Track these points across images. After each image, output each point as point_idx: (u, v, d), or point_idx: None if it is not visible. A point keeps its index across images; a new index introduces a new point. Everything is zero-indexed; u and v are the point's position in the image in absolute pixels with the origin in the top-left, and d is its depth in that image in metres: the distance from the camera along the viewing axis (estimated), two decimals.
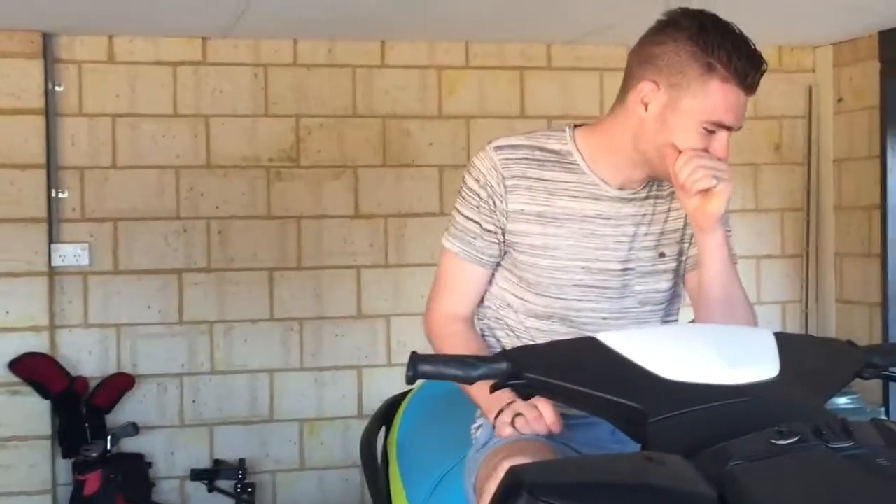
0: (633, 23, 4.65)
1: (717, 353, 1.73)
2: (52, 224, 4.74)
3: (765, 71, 2.10)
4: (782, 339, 1.80)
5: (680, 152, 2.08)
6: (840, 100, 5.49)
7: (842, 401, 4.67)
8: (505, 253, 2.26)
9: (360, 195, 5.08)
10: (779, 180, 5.57)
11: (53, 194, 4.74)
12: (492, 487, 1.93)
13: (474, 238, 2.25)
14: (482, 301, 2.36)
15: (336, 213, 5.05)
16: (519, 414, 2.03)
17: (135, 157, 4.86)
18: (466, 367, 1.78)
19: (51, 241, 4.73)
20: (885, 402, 5.10)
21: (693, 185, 2.08)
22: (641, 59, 2.15)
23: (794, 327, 5.47)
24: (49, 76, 4.73)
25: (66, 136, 4.79)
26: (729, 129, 2.08)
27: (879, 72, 5.20)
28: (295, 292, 5.01)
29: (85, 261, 4.78)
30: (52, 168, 4.74)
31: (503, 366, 1.75)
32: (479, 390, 2.11)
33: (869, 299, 5.28)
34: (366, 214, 5.09)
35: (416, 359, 1.77)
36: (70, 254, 4.75)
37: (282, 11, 4.44)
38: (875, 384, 5.03)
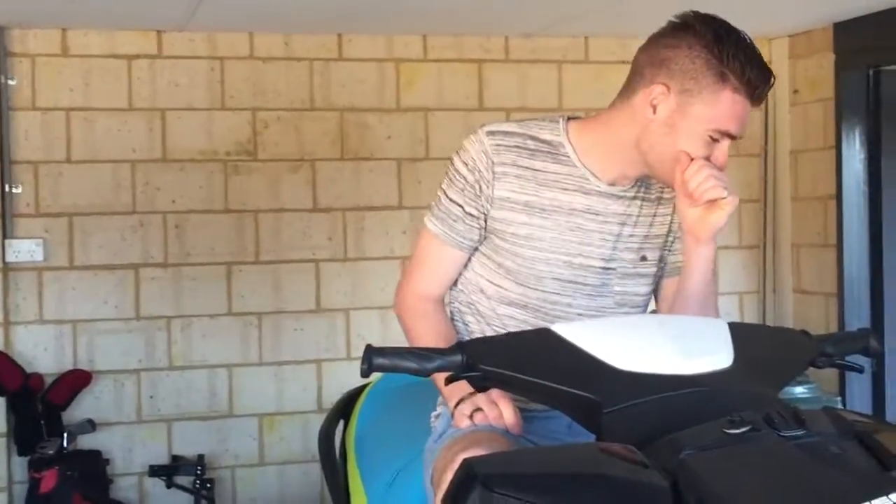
0: (592, 15, 4.68)
1: (671, 343, 1.74)
2: (6, 219, 4.68)
3: (773, 84, 2.13)
4: (736, 329, 1.81)
5: (692, 159, 2.08)
6: (796, 91, 5.53)
7: (798, 390, 4.71)
8: (485, 238, 2.26)
9: (319, 189, 5.06)
10: (736, 172, 5.59)
11: (7, 189, 4.68)
12: (448, 479, 1.93)
13: (455, 220, 2.24)
14: (455, 284, 2.36)
15: (294, 206, 5.03)
16: (479, 409, 2.03)
17: (90, 152, 4.82)
18: (421, 359, 1.78)
19: (4, 236, 4.67)
20: (842, 392, 5.14)
21: (703, 195, 2.09)
22: (654, 60, 2.15)
23: (751, 317, 5.50)
24: (1, 69, 4.68)
25: (19, 130, 4.74)
26: (732, 138, 2.11)
27: (834, 63, 5.24)
28: (253, 286, 4.99)
29: (39, 256, 4.73)
30: (4, 163, 4.68)
31: (458, 358, 1.75)
32: (442, 376, 2.12)
33: (825, 289, 5.33)
34: (324, 208, 5.07)
35: (370, 351, 1.78)
36: (24, 249, 4.70)
37: (238, 4, 4.41)
38: (832, 374, 5.08)
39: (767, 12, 5.03)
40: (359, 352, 5.25)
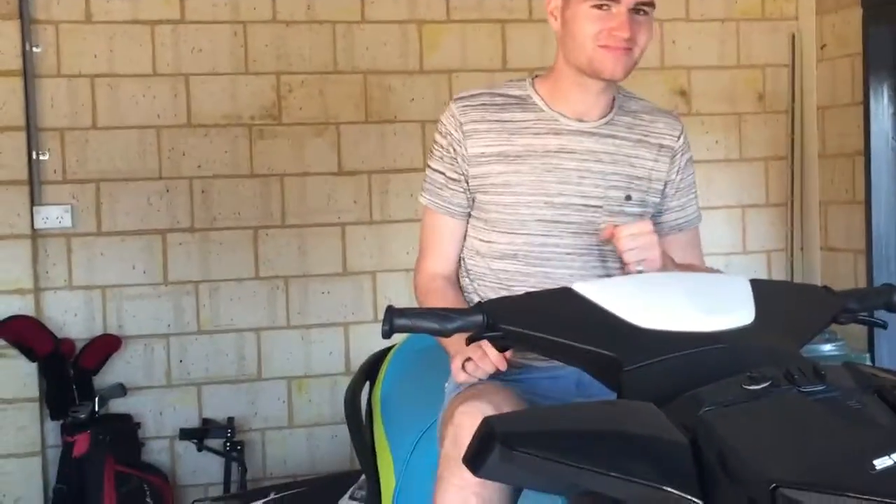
0: None
1: (692, 301, 1.74)
2: (34, 186, 4.71)
3: None
4: (758, 286, 1.81)
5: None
6: (823, 47, 5.47)
7: (827, 347, 4.69)
8: (473, 200, 2.30)
9: (343, 152, 5.06)
10: (762, 129, 5.56)
11: (34, 156, 4.71)
12: (449, 434, 1.96)
13: (440, 188, 2.31)
14: (464, 253, 2.39)
15: (319, 170, 5.03)
16: (469, 358, 2.06)
17: (115, 118, 4.83)
18: (442, 319, 1.79)
19: (33, 203, 4.70)
20: (871, 349, 5.12)
21: (627, 261, 2.12)
22: None
23: (779, 275, 5.48)
24: (26, 37, 4.69)
25: (45, 97, 4.76)
26: (617, 2, 2.12)
27: (862, 18, 5.18)
28: (280, 250, 5.01)
29: (68, 222, 4.76)
30: (31, 130, 4.71)
31: (478, 318, 1.76)
32: (448, 340, 2.14)
33: (853, 246, 5.29)
34: (349, 171, 5.07)
35: (392, 312, 1.79)
36: (53, 216, 4.73)
37: None
38: (861, 331, 5.05)
39: None
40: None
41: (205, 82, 4.91)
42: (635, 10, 2.14)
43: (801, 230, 5.56)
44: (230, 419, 4.89)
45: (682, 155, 2.37)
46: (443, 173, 2.30)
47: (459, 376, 2.07)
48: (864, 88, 5.17)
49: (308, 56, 5.02)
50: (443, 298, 2.30)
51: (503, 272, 2.27)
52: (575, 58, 2.19)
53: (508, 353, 2.02)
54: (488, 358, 2.02)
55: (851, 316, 1.95)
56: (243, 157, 4.96)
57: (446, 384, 2.35)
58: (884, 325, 2.02)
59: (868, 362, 4.91)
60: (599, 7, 2.12)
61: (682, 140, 2.37)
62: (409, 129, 5.09)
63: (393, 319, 1.78)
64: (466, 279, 2.37)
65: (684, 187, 2.39)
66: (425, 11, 5.13)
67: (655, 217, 2.36)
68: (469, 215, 2.33)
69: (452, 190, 2.30)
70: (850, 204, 5.31)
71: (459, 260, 2.40)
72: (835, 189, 5.42)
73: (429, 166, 2.36)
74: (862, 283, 5.11)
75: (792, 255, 5.53)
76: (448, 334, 1.82)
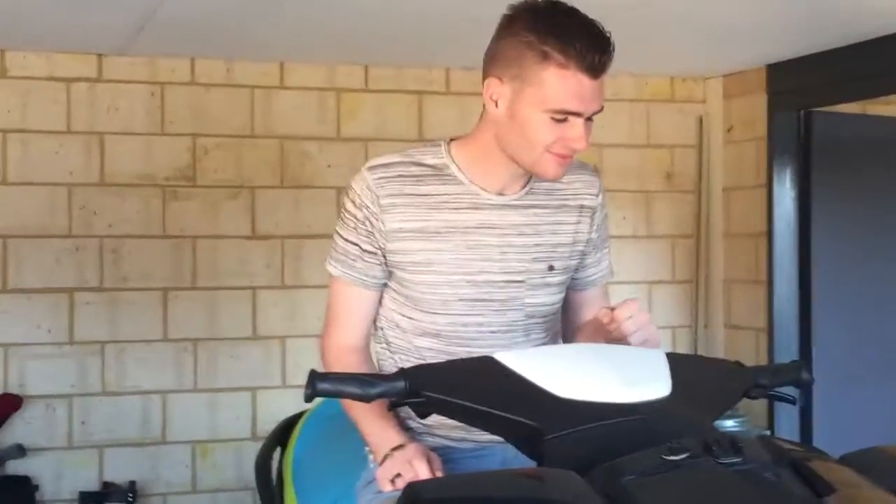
0: None
1: (611, 371, 1.77)
2: None
3: (611, 53, 2.06)
4: (673, 359, 1.85)
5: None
6: (730, 130, 5.64)
7: (729, 423, 4.78)
8: (390, 273, 2.24)
9: (257, 216, 5.06)
10: (670, 208, 5.69)
11: None
12: None
13: (354, 260, 2.22)
14: (376, 323, 2.34)
15: (232, 233, 5.02)
16: (399, 475, 2.01)
17: (26, 174, 4.77)
18: (365, 385, 1.79)
19: None
20: (771, 425, 5.22)
21: (634, 344, 2.06)
22: (487, 56, 2.15)
23: (684, 351, 5.57)
24: None
25: None
26: (579, 115, 2.04)
27: (767, 104, 5.35)
28: (189, 313, 4.96)
29: None
30: None
31: (401, 384, 1.77)
32: (368, 426, 2.14)
33: (755, 324, 5.42)
34: (263, 235, 5.06)
35: (314, 376, 1.78)
36: None
37: (180, 29, 4.41)
38: (761, 407, 5.16)
39: (703, 52, 5.14)
40: (295, 379, 5.29)
41: (120, 141, 4.89)
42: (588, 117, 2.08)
43: (706, 307, 5.68)
44: (132, 483, 4.80)
45: (601, 211, 2.34)
46: (357, 245, 2.21)
47: (386, 486, 2.02)
48: (768, 171, 5.33)
49: (225, 119, 5.02)
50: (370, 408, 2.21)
51: (427, 349, 2.21)
52: (515, 154, 2.12)
53: (439, 473, 1.98)
54: (417, 477, 1.98)
55: (762, 391, 2.00)
56: (156, 217, 4.92)
57: (370, 455, 2.31)
58: (793, 401, 2.06)
59: None
60: (558, 120, 2.04)
61: (600, 196, 2.33)
62: (325, 196, 5.10)
63: (316, 383, 1.78)
64: (387, 351, 2.30)
65: (599, 243, 2.36)
66: (344, 79, 5.17)
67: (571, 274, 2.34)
68: (384, 285, 2.26)
69: (368, 263, 2.21)
70: (753, 283, 5.45)
71: (376, 329, 2.33)
72: (739, 268, 5.56)
73: (340, 235, 2.24)
74: (763, 361, 5.22)
75: (696, 332, 5.64)
76: (370, 399, 1.82)
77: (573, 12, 2.10)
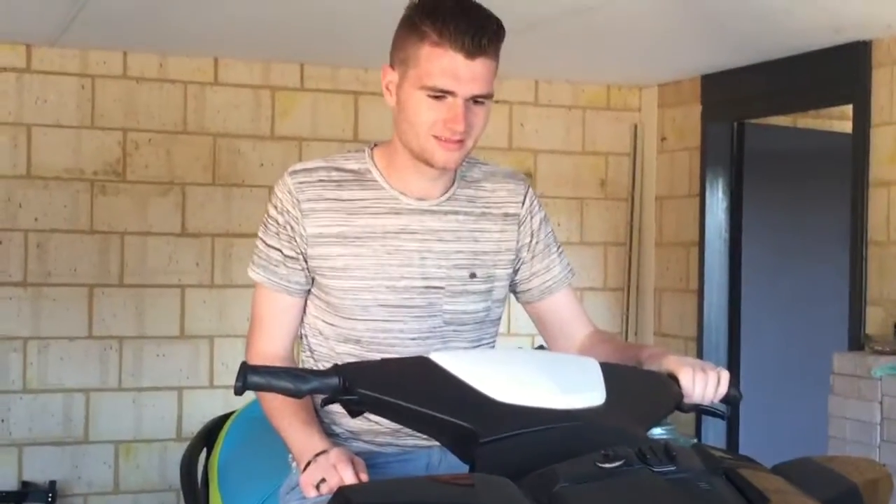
0: None
1: (546, 377, 1.75)
2: None
3: (490, 36, 2.06)
4: (607, 369, 1.84)
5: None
6: (663, 139, 5.68)
7: (657, 431, 4.79)
8: (313, 279, 2.20)
9: (188, 213, 4.99)
10: (603, 215, 5.72)
11: None
12: None
13: (277, 266, 2.18)
14: (305, 331, 2.30)
15: (162, 230, 4.94)
16: (324, 480, 1.95)
17: None
18: (297, 379, 1.76)
19: None
20: (698, 434, 5.26)
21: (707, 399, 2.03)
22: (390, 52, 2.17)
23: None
24: None
25: None
26: (454, 94, 2.04)
27: (701, 114, 5.40)
28: (116, 310, 4.87)
29: None
30: None
31: (334, 381, 1.73)
32: (291, 433, 2.08)
33: (685, 333, 5.46)
34: (193, 233, 4.99)
35: (246, 369, 1.73)
36: None
37: (112, 22, 4.34)
38: (689, 416, 5.20)
39: (638, 61, 5.17)
40: (222, 380, 5.22)
41: (47, 134, 4.79)
42: (472, 101, 2.06)
43: (637, 315, 5.71)
44: (52, 483, 4.71)
45: (532, 218, 2.31)
46: (279, 250, 2.16)
47: (310, 492, 1.95)
48: (701, 181, 5.38)
49: (157, 114, 4.95)
50: (295, 415, 2.15)
51: (347, 356, 2.16)
52: (407, 141, 2.11)
53: (364, 477, 1.93)
54: (342, 481, 1.91)
55: (693, 405, 2.00)
56: (83, 212, 4.83)
57: (292, 461, 2.28)
58: (723, 416, 2.06)
59: None
60: (435, 97, 2.04)
61: (527, 203, 2.30)
62: (257, 194, 5.05)
63: (247, 376, 1.73)
64: (310, 358, 2.26)
65: (543, 248, 2.32)
66: (279, 78, 5.13)
67: (521, 285, 2.32)
68: (308, 292, 2.22)
69: (290, 268, 2.17)
70: (684, 292, 5.49)
71: (300, 336, 2.28)
72: (670, 277, 5.60)
73: (262, 240, 2.20)
74: None
75: (626, 339, 5.66)
76: (302, 395, 1.78)
77: (463, 0, 2.10)
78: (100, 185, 4.86)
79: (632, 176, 5.75)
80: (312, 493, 1.95)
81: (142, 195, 4.92)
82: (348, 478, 1.91)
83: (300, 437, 2.07)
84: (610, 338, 2.37)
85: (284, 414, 2.11)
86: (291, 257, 2.17)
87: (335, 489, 1.84)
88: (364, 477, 1.92)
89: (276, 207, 2.18)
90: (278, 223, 2.17)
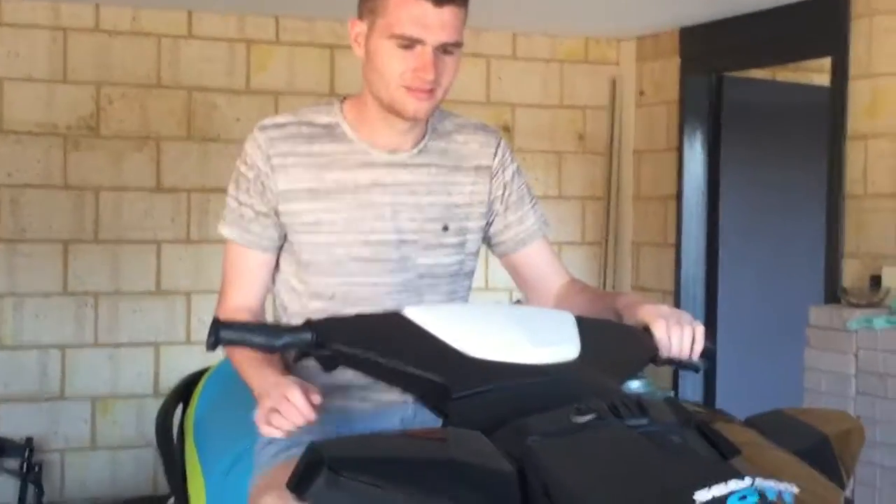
0: None
1: (520, 332, 1.75)
2: None
3: None
4: (582, 323, 1.84)
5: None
6: (642, 93, 5.65)
7: (634, 384, 4.81)
8: (284, 235, 2.18)
9: (163, 168, 4.95)
10: (581, 169, 5.70)
11: None
12: None
13: (249, 222, 2.16)
14: (276, 292, 2.28)
15: (137, 185, 4.91)
16: (275, 410, 1.88)
17: None
18: (270, 335, 1.75)
19: None
20: (675, 387, 5.29)
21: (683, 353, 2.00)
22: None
23: None
24: None
25: None
26: (422, 42, 2.03)
27: (679, 67, 5.38)
28: (91, 266, 4.85)
29: None
30: None
31: (307, 336, 1.72)
32: (252, 379, 2.03)
33: (663, 286, 5.47)
34: (168, 188, 4.96)
35: (218, 324, 1.73)
36: None
37: None
38: (666, 369, 5.21)
39: (616, 14, 5.14)
40: (199, 336, 5.21)
41: (19, 88, 4.74)
42: (441, 50, 2.05)
43: (615, 269, 5.72)
44: (28, 439, 4.70)
45: (505, 170, 2.30)
46: (251, 207, 2.14)
47: (263, 428, 1.89)
48: (679, 135, 5.37)
49: (131, 68, 4.89)
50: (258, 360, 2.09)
51: (321, 312, 2.12)
52: (376, 92, 2.09)
53: (316, 399, 1.87)
54: (296, 408, 1.86)
55: (667, 359, 2.00)
56: (57, 167, 4.79)
57: (256, 444, 2.27)
58: (696, 369, 2.06)
59: None
60: (404, 46, 2.03)
61: (499, 156, 2.29)
62: (233, 150, 4.96)
63: (219, 331, 1.72)
64: (284, 316, 2.25)
65: (516, 200, 2.31)
66: (254, 31, 5.07)
67: (496, 237, 2.31)
68: (280, 247, 2.20)
69: (263, 225, 2.15)
70: (662, 246, 5.49)
71: (271, 295, 2.26)
72: (648, 231, 5.60)
73: (233, 197, 2.17)
74: None
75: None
76: (275, 350, 1.78)
77: None
78: (73, 140, 4.82)
79: (610, 130, 5.73)
80: (266, 431, 1.90)
81: (116, 150, 4.88)
82: (298, 402, 1.85)
83: (258, 379, 2.02)
84: (585, 288, 2.35)
85: (246, 364, 2.08)
86: (263, 213, 2.15)
87: (290, 421, 1.85)
88: (316, 399, 1.86)
89: (245, 163, 2.15)
90: (249, 179, 2.15)
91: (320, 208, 2.13)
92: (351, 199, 2.14)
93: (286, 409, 1.85)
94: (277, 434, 1.89)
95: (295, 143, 2.14)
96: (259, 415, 1.90)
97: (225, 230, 2.20)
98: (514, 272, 2.37)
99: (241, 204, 2.16)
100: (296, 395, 1.85)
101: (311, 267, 2.16)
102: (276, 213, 2.14)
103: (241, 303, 2.20)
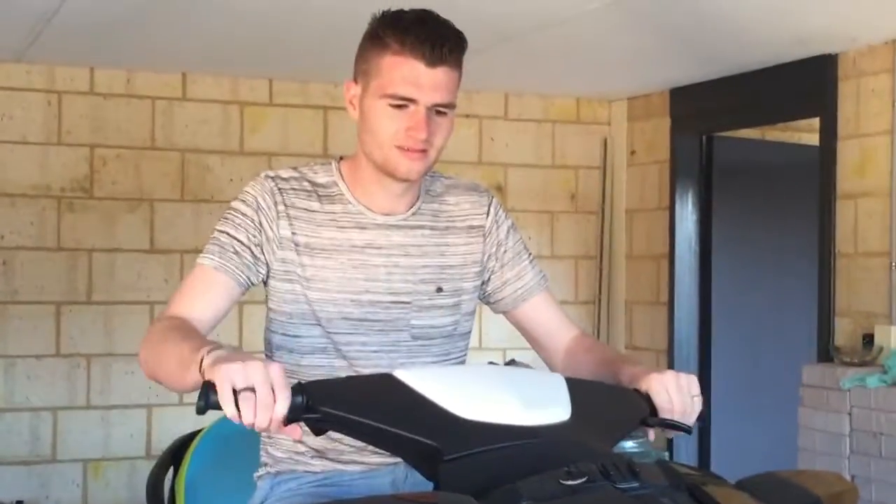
0: None
1: (511, 394, 1.74)
2: None
3: (452, 46, 2.07)
4: (573, 384, 1.83)
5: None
6: (633, 153, 5.69)
7: (628, 444, 4.79)
8: (266, 285, 2.15)
9: (157, 229, 4.96)
10: (574, 228, 5.72)
11: None
12: None
13: (234, 254, 2.10)
14: (266, 349, 2.25)
15: (130, 247, 4.91)
16: (250, 389, 1.64)
17: None
18: None
19: None
20: (669, 447, 5.27)
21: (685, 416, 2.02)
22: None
23: None
24: None
25: None
26: (415, 101, 2.04)
27: (670, 127, 5.42)
28: (84, 327, 4.84)
29: None
30: None
31: (298, 399, 1.71)
32: (174, 356, 1.88)
33: (657, 346, 5.46)
34: (161, 249, 4.96)
35: (209, 387, 1.69)
36: None
37: (78, 37, 4.31)
38: (659, 432, 5.19)
39: (607, 75, 5.18)
40: (191, 398, 5.13)
41: (13, 150, 4.76)
42: (434, 111, 2.06)
43: (608, 328, 5.71)
44: (19, 502, 4.65)
45: (498, 228, 2.30)
46: (240, 241, 2.09)
47: (228, 408, 1.64)
48: (671, 194, 5.40)
49: (125, 130, 4.92)
50: (169, 333, 1.98)
51: (316, 367, 2.13)
52: (370, 153, 2.10)
53: (296, 436, 1.73)
54: (271, 408, 1.65)
55: (659, 420, 1.99)
56: (50, 229, 4.80)
57: (256, 475, 2.27)
58: (688, 431, 2.05)
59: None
60: (396, 106, 2.04)
61: (492, 214, 2.29)
62: (226, 210, 5.01)
63: (209, 395, 1.68)
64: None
65: (512, 257, 2.31)
66: (248, 93, 5.11)
67: (495, 295, 2.31)
68: (244, 292, 2.13)
69: (242, 259, 2.09)
70: (654, 305, 5.49)
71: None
72: (640, 289, 5.60)
73: (219, 232, 2.11)
74: None
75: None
76: None
77: (425, 13, 2.11)
78: (67, 201, 4.83)
79: (602, 189, 5.75)
80: (232, 412, 1.65)
81: (110, 212, 4.89)
82: (280, 409, 1.66)
83: (201, 342, 1.85)
84: (592, 346, 2.33)
85: (163, 345, 1.95)
86: (247, 249, 2.10)
87: (258, 413, 1.64)
88: (288, 428, 1.71)
89: (246, 203, 2.12)
90: (245, 216, 2.11)
91: (316, 265, 2.13)
92: (346, 259, 2.14)
93: (265, 404, 1.64)
94: (246, 423, 1.65)
95: (297, 197, 2.14)
96: (226, 393, 1.65)
97: (204, 259, 2.12)
98: (521, 329, 2.37)
99: (230, 237, 2.10)
100: (283, 395, 1.66)
101: (306, 320, 2.15)
102: (267, 261, 2.12)
103: (188, 314, 2.08)
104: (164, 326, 2.03)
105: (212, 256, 2.10)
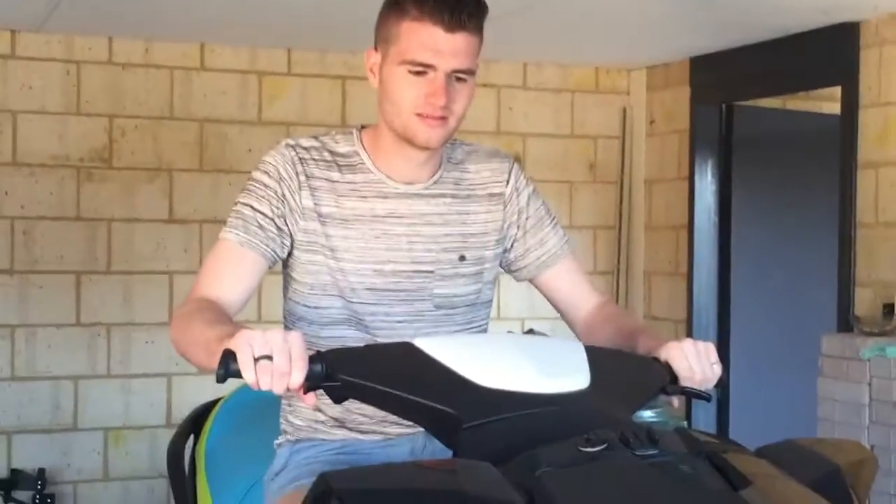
0: None
1: (530, 362, 1.74)
2: None
3: (472, 11, 2.05)
4: (592, 352, 1.83)
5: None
6: (652, 122, 5.66)
7: (647, 414, 4.80)
8: (289, 255, 2.14)
9: (175, 199, 4.97)
10: (593, 198, 5.71)
11: None
12: None
13: (259, 228, 2.08)
14: (285, 319, 2.25)
15: (149, 216, 4.93)
16: (267, 357, 1.66)
17: None
18: None
19: None
20: (688, 416, 5.26)
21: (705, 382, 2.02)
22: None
23: None
24: None
25: None
26: (434, 68, 2.03)
27: (689, 97, 5.39)
28: (104, 297, 4.86)
29: None
30: None
31: (318, 367, 1.71)
32: (218, 326, 1.87)
33: (675, 316, 5.46)
34: (180, 219, 4.97)
35: (229, 356, 1.69)
36: None
37: (97, 7, 4.31)
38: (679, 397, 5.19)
39: (627, 43, 5.15)
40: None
41: (33, 120, 4.77)
42: (454, 77, 2.05)
43: (626, 299, 5.71)
44: (41, 470, 4.70)
45: (518, 196, 2.29)
46: (265, 214, 2.08)
47: (247, 374, 1.66)
48: (690, 164, 5.37)
49: (144, 100, 4.92)
50: (202, 315, 1.94)
51: (337, 339, 2.12)
52: (390, 121, 2.09)
53: (312, 400, 1.74)
54: (288, 375, 1.66)
55: (678, 388, 1.99)
56: (70, 199, 4.81)
57: (275, 443, 2.28)
58: (708, 398, 2.05)
59: None
60: (416, 73, 2.03)
61: (512, 182, 2.28)
62: (244, 180, 5.01)
63: (230, 363, 1.68)
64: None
65: (534, 224, 2.30)
66: (266, 63, 5.10)
67: (517, 262, 2.30)
68: (275, 261, 2.13)
69: (267, 233, 2.08)
70: (673, 275, 5.48)
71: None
72: (659, 260, 5.59)
73: (242, 204, 2.09)
74: None
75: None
76: None
77: None
78: (86, 171, 4.84)
79: (621, 159, 5.73)
80: (251, 379, 1.66)
81: (129, 182, 4.90)
82: (296, 380, 1.68)
83: (227, 326, 1.87)
84: (611, 316, 2.32)
85: (191, 332, 1.93)
86: (272, 223, 2.09)
87: (276, 380, 1.66)
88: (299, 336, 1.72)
89: (268, 174, 2.11)
90: (268, 187, 2.09)
91: (338, 234, 2.13)
92: (367, 228, 2.13)
93: (281, 373, 1.67)
94: (264, 388, 1.68)
95: (318, 167, 2.13)
96: (245, 356, 1.67)
97: (228, 234, 2.09)
98: (546, 294, 2.37)
99: (253, 210, 2.09)
100: (300, 364, 1.67)
101: (328, 291, 2.14)
102: (291, 231, 2.12)
103: (216, 294, 2.05)
104: (192, 309, 2.01)
105: (237, 231, 2.08)
